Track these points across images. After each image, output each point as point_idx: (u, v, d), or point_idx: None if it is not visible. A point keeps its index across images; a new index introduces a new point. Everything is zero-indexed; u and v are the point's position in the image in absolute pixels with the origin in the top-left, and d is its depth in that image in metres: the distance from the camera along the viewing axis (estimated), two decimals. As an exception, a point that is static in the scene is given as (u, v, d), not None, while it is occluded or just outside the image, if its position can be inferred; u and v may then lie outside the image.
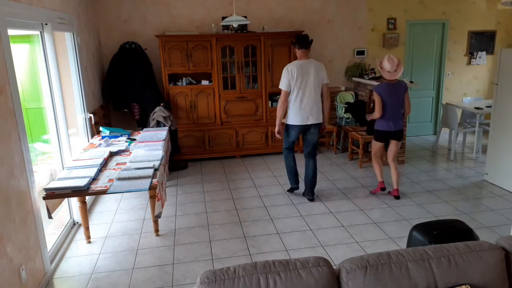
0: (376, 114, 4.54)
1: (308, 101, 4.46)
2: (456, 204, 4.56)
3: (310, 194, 4.76)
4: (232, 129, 6.41)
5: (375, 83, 6.13)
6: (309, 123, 4.51)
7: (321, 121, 4.60)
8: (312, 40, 4.59)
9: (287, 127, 4.63)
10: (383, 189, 4.89)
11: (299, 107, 4.47)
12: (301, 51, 4.48)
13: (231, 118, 6.39)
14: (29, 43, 4.08)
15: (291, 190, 5.01)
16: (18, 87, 3.04)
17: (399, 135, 4.65)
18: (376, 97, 4.49)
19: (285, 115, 4.65)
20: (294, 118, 4.52)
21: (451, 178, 5.40)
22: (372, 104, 4.71)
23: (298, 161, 5.00)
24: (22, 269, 2.87)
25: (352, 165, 6.03)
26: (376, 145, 4.77)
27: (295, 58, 6.26)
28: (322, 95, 4.58)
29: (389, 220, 4.22)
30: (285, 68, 4.47)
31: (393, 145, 4.71)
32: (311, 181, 4.74)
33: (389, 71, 4.41)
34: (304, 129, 4.57)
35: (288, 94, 4.46)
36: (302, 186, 4.98)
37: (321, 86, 4.53)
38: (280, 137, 4.73)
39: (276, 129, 4.64)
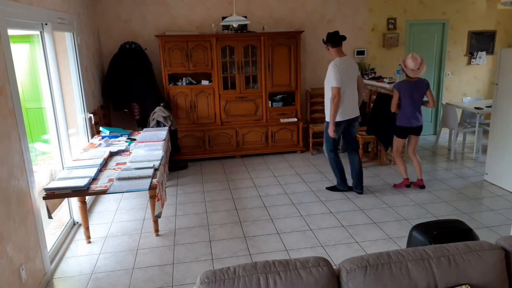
0: (392, 108, 4.85)
1: (355, 96, 4.64)
2: (456, 204, 4.56)
3: (360, 188, 4.89)
4: (232, 129, 6.41)
5: (375, 83, 6.14)
6: (353, 116, 4.66)
7: (359, 113, 4.76)
8: (344, 37, 4.59)
9: (336, 125, 4.54)
10: (408, 185, 5.06)
11: (347, 102, 4.55)
12: (336, 48, 4.57)
13: (231, 118, 6.40)
14: (29, 43, 4.09)
15: (338, 190, 4.98)
16: (18, 87, 3.04)
17: (419, 130, 4.90)
18: (395, 93, 4.77)
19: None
20: (343, 114, 4.55)
21: (451, 178, 5.40)
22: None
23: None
24: (22, 269, 2.87)
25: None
26: (398, 142, 4.99)
27: (295, 58, 6.34)
28: (358, 87, 4.71)
29: (389, 220, 4.22)
30: (332, 65, 4.46)
31: (413, 140, 4.97)
32: (360, 174, 4.87)
33: (412, 69, 4.61)
34: (348, 124, 4.68)
35: (339, 90, 4.43)
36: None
37: (357, 79, 4.68)
38: (335, 136, 4.60)
39: (331, 129, 4.52)
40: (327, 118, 4.62)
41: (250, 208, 4.62)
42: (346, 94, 4.52)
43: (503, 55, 4.82)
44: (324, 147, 4.85)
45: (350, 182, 4.99)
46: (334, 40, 4.53)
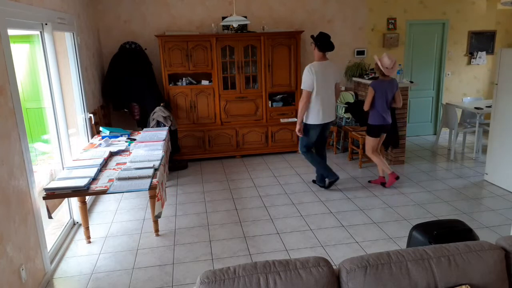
0: (366, 107, 4.90)
1: (329, 101, 4.74)
2: (456, 204, 4.56)
3: (333, 175, 5.03)
4: (232, 129, 6.41)
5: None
6: (328, 121, 4.80)
7: (335, 118, 4.96)
8: (332, 47, 4.70)
9: (307, 128, 4.81)
10: (383, 184, 5.13)
11: (321, 106, 4.67)
12: (322, 53, 4.69)
13: (231, 118, 6.40)
14: (29, 43, 4.09)
15: (332, 183, 5.06)
16: (18, 87, 3.04)
17: (389, 128, 5.06)
18: (370, 92, 4.83)
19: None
20: (316, 118, 4.71)
21: (451, 178, 5.40)
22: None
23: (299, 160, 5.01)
24: (22, 269, 2.87)
25: (352, 165, 6.03)
26: (372, 141, 5.04)
27: (295, 58, 6.34)
28: (335, 93, 4.85)
29: (389, 220, 4.22)
30: (307, 68, 4.63)
31: (381, 138, 5.09)
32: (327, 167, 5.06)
33: (387, 68, 4.71)
34: (323, 127, 4.82)
35: (309, 94, 4.64)
36: (308, 177, 4.98)
37: (334, 85, 4.80)
38: (301, 135, 4.87)
39: (298, 128, 4.80)
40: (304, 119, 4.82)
41: (250, 208, 4.62)
42: (322, 98, 4.66)
43: (503, 55, 4.82)
44: (299, 147, 5.08)
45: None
46: (323, 45, 4.64)
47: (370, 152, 5.07)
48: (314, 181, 5.26)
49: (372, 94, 4.81)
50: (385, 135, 5.10)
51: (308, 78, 4.60)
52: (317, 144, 5.00)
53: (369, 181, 5.27)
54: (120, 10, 6.22)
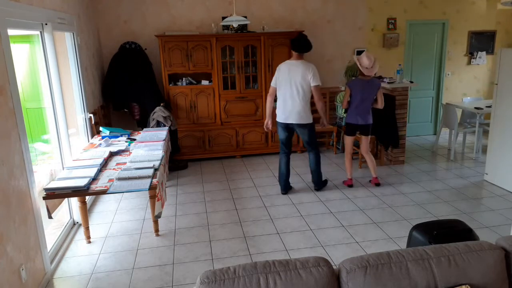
0: (343, 105, 4.95)
1: (290, 101, 4.57)
2: (456, 204, 4.56)
3: (315, 184, 5.01)
4: (232, 129, 6.41)
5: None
6: (290, 122, 4.64)
7: (305, 122, 4.62)
8: (310, 46, 4.64)
9: (277, 124, 4.80)
10: (350, 186, 5.14)
11: (282, 105, 4.64)
12: (295, 53, 4.63)
13: (231, 118, 6.40)
14: (29, 43, 4.09)
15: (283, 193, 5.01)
16: (18, 87, 3.04)
17: (366, 129, 4.95)
18: (346, 90, 4.86)
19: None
20: (279, 115, 4.71)
21: (451, 178, 5.40)
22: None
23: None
24: (22, 269, 2.87)
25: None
26: (346, 140, 5.08)
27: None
28: (313, 98, 4.64)
29: (389, 220, 4.22)
30: (278, 66, 4.70)
31: (363, 140, 5.07)
32: (315, 172, 4.94)
33: (367, 67, 4.67)
34: (289, 128, 4.71)
35: (273, 90, 4.69)
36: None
37: (309, 88, 4.57)
38: (266, 130, 4.90)
39: (265, 122, 4.82)
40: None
41: (250, 208, 4.62)
42: (285, 97, 4.59)
43: (503, 55, 4.82)
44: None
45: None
46: (297, 48, 4.59)
47: (345, 150, 5.12)
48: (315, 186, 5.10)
49: (348, 93, 4.81)
50: (368, 137, 5.00)
51: (275, 74, 4.69)
52: (304, 144, 4.92)
53: (370, 181, 5.25)
54: (120, 10, 6.22)
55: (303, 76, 4.52)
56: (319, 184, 5.01)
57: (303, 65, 4.57)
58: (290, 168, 4.97)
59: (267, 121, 4.79)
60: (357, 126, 4.90)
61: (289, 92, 4.57)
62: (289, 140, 4.84)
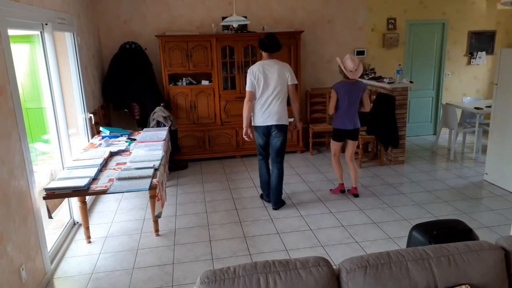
0: (330, 110, 4.66)
1: (269, 102, 4.34)
2: (456, 204, 4.56)
3: (274, 203, 4.58)
4: (232, 129, 6.41)
5: (375, 83, 6.14)
6: (270, 123, 4.37)
7: (284, 122, 4.41)
8: (280, 46, 4.46)
9: (255, 130, 4.51)
10: (343, 191, 4.91)
11: (260, 107, 4.37)
12: (266, 53, 4.42)
13: (231, 118, 6.39)
14: (29, 43, 4.09)
15: (263, 198, 4.83)
16: (18, 87, 3.05)
17: (355, 134, 4.74)
18: (332, 94, 4.59)
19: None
20: (257, 119, 4.42)
21: (451, 178, 5.41)
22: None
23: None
24: (22, 269, 2.87)
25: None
26: (334, 145, 4.80)
27: (295, 58, 6.35)
28: (289, 97, 4.44)
29: (389, 220, 4.22)
30: (249, 68, 4.39)
31: (350, 145, 4.80)
32: (275, 189, 4.55)
33: (351, 70, 4.46)
34: (267, 131, 4.43)
35: (252, 94, 4.36)
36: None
37: (286, 88, 4.38)
38: (247, 139, 4.56)
39: (244, 131, 4.48)
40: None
41: (250, 208, 4.62)
42: (263, 98, 4.32)
43: (503, 55, 4.82)
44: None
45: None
46: (265, 47, 4.38)
47: (332, 155, 4.86)
48: (261, 196, 4.88)
49: (335, 97, 4.55)
50: (355, 142, 4.79)
51: (248, 78, 4.34)
52: (271, 153, 4.57)
53: (348, 191, 4.96)
54: (120, 10, 6.22)
55: (280, 75, 4.32)
56: (278, 203, 4.59)
57: (278, 63, 4.39)
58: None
59: (247, 130, 4.45)
60: (346, 131, 4.66)
61: (272, 93, 4.32)
62: (268, 144, 4.54)
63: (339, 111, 4.62)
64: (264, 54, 4.46)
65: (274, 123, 4.37)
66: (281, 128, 4.41)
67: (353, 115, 4.62)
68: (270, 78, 4.32)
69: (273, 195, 4.58)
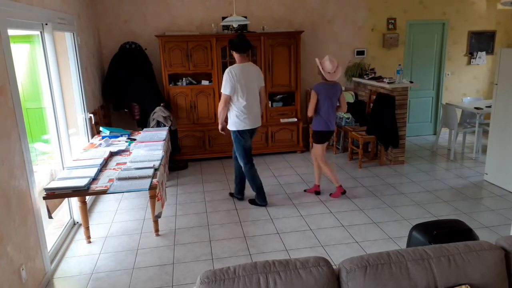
0: (309, 112, 4.59)
1: (254, 105, 4.40)
2: (456, 204, 4.56)
3: (237, 194, 4.85)
4: (232, 129, 6.39)
5: (375, 83, 6.15)
6: (255, 126, 4.46)
7: (261, 124, 4.59)
8: (248, 45, 4.39)
9: (238, 135, 4.43)
10: (344, 192, 4.83)
11: (248, 111, 4.35)
12: (241, 55, 4.36)
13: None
14: (29, 43, 4.09)
15: (233, 196, 4.87)
16: (18, 87, 3.05)
17: (331, 136, 4.84)
18: (312, 96, 4.53)
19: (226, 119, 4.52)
20: (245, 123, 4.37)
21: (451, 178, 5.41)
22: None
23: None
24: (22, 269, 2.87)
25: (352, 165, 6.03)
26: (319, 149, 4.73)
27: (295, 58, 6.35)
28: (260, 98, 4.52)
29: (389, 220, 4.22)
30: (227, 72, 4.28)
31: (324, 145, 4.79)
32: (243, 181, 4.79)
33: (329, 72, 4.44)
34: (251, 134, 4.50)
35: (229, 98, 4.31)
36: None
37: (259, 89, 4.47)
38: (224, 134, 4.59)
39: (220, 127, 4.53)
40: (229, 126, 4.47)
41: (250, 208, 4.62)
42: (247, 102, 4.32)
43: (503, 55, 4.82)
44: (239, 161, 4.60)
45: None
46: (239, 48, 4.31)
47: (319, 160, 4.76)
48: (252, 201, 4.77)
49: (315, 98, 4.49)
50: (326, 143, 4.79)
51: (228, 81, 4.23)
52: (249, 154, 4.65)
53: (305, 190, 5.03)
54: (120, 10, 6.22)
55: (258, 79, 4.43)
56: (242, 194, 4.81)
57: (255, 67, 4.50)
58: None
59: (223, 126, 4.51)
60: (328, 132, 4.64)
61: (254, 97, 4.38)
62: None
63: (320, 113, 4.56)
64: (239, 56, 4.35)
65: (259, 125, 4.58)
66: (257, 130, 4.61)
67: (334, 116, 4.65)
68: (254, 81, 4.39)
69: (243, 188, 4.79)
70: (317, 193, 4.92)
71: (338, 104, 4.64)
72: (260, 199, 4.66)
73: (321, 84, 4.54)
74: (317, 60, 4.52)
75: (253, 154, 4.80)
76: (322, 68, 4.44)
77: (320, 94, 4.51)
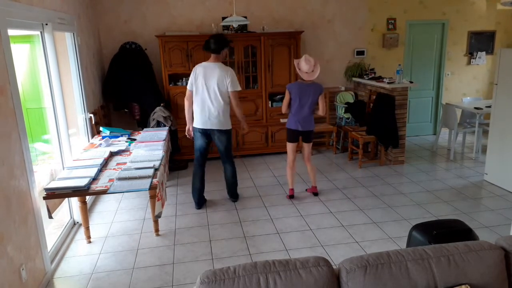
0: (282, 109, 4.64)
1: (208, 105, 4.34)
2: (456, 204, 4.56)
3: (233, 196, 4.82)
4: (232, 129, 6.39)
5: (375, 83, 6.15)
6: (208, 127, 4.40)
7: (223, 128, 4.43)
8: (209, 45, 4.39)
9: (194, 130, 4.54)
10: (292, 196, 4.84)
11: (199, 109, 4.38)
12: (210, 54, 4.41)
13: (231, 118, 6.38)
14: (29, 43, 4.09)
15: (198, 208, 4.69)
16: (19, 87, 3.05)
17: (308, 136, 4.69)
18: (286, 94, 4.55)
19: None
20: (195, 120, 4.47)
21: (450, 178, 5.41)
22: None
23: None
24: (23, 269, 2.87)
25: (352, 165, 6.04)
26: (288, 147, 4.75)
27: (295, 58, 6.34)
28: (231, 103, 4.44)
29: (389, 220, 4.22)
30: (193, 68, 4.45)
31: (304, 147, 4.78)
32: (233, 184, 4.76)
33: (306, 72, 4.39)
34: (207, 134, 4.47)
35: (190, 94, 4.42)
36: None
37: (226, 92, 4.36)
38: (189, 137, 4.66)
39: (186, 128, 4.65)
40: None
41: (250, 208, 4.62)
42: (202, 102, 4.35)
43: (503, 55, 4.83)
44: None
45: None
46: (206, 46, 4.41)
47: (287, 160, 4.80)
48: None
49: (288, 96, 4.51)
50: (309, 144, 4.73)
51: (190, 77, 4.42)
52: (220, 156, 4.64)
53: (306, 190, 5.05)
54: (120, 10, 6.22)
55: (220, 80, 4.30)
56: (236, 195, 4.82)
57: (221, 68, 4.34)
58: (205, 181, 4.73)
59: (189, 127, 4.57)
60: (297, 132, 4.60)
61: (208, 96, 4.33)
62: (207, 149, 4.60)
63: (291, 111, 4.59)
64: (211, 55, 4.43)
65: (214, 128, 4.45)
66: (223, 132, 4.51)
67: (305, 116, 4.54)
68: (210, 81, 4.33)
69: (231, 189, 4.82)
70: (315, 194, 4.91)
71: (317, 106, 4.55)
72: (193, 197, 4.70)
73: (294, 83, 4.56)
74: (294, 61, 4.52)
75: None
76: (299, 68, 4.42)
77: (291, 92, 4.50)
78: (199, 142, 4.53)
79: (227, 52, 4.58)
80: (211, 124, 4.39)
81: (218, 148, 4.57)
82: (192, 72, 4.43)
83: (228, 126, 4.49)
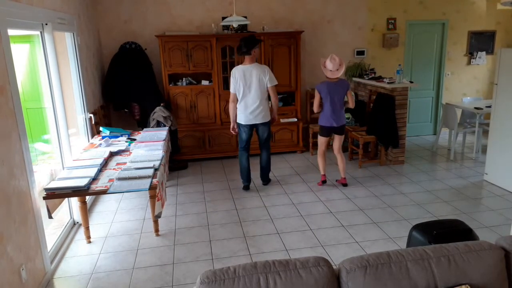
0: (314, 109, 4.93)
1: (251, 103, 4.81)
2: (456, 204, 4.56)
3: (264, 179, 5.32)
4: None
5: (375, 83, 6.15)
6: (254, 123, 4.89)
7: (266, 120, 4.93)
8: (251, 46, 4.77)
9: (238, 126, 5.02)
10: (324, 182, 5.19)
11: (243, 108, 4.85)
12: (246, 56, 4.80)
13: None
14: (29, 43, 4.09)
15: (244, 188, 5.19)
16: (18, 87, 3.05)
17: (341, 129, 5.00)
18: (316, 94, 4.84)
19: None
20: (240, 118, 4.92)
21: (450, 178, 5.41)
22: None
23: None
24: (22, 269, 2.87)
25: (352, 165, 6.03)
26: (321, 140, 5.08)
27: (295, 58, 6.35)
28: (270, 97, 4.91)
29: (389, 220, 4.22)
30: (231, 72, 4.88)
31: (336, 139, 5.08)
32: (265, 168, 5.25)
33: (331, 70, 4.66)
34: (251, 128, 4.96)
35: (234, 95, 4.88)
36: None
37: (265, 88, 4.81)
38: (234, 133, 5.13)
39: (231, 126, 5.07)
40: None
41: (250, 208, 4.62)
42: (245, 100, 4.82)
43: (503, 55, 4.82)
44: None
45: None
46: (239, 50, 4.81)
47: (318, 150, 5.14)
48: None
49: (318, 97, 4.80)
50: (342, 136, 5.05)
51: (231, 81, 4.85)
52: (259, 142, 5.13)
53: (336, 181, 5.31)
54: (120, 10, 6.22)
55: (259, 78, 4.76)
56: (267, 179, 5.33)
57: (258, 68, 4.79)
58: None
59: (233, 125, 5.04)
60: (331, 128, 4.92)
61: (252, 96, 4.78)
62: (251, 139, 5.06)
63: (324, 110, 4.88)
64: (245, 58, 4.84)
65: (259, 122, 4.93)
66: (266, 124, 5.00)
67: (338, 113, 4.86)
68: (254, 81, 4.77)
69: (264, 173, 5.32)
70: (344, 185, 5.16)
71: (346, 100, 4.87)
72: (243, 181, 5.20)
73: (323, 83, 4.80)
74: (322, 59, 4.79)
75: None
76: (324, 66, 4.68)
77: (321, 92, 4.79)
78: (244, 135, 5.01)
79: (258, 50, 4.94)
80: (256, 120, 4.88)
81: (259, 137, 5.07)
82: (231, 76, 4.86)
83: (269, 117, 4.99)
